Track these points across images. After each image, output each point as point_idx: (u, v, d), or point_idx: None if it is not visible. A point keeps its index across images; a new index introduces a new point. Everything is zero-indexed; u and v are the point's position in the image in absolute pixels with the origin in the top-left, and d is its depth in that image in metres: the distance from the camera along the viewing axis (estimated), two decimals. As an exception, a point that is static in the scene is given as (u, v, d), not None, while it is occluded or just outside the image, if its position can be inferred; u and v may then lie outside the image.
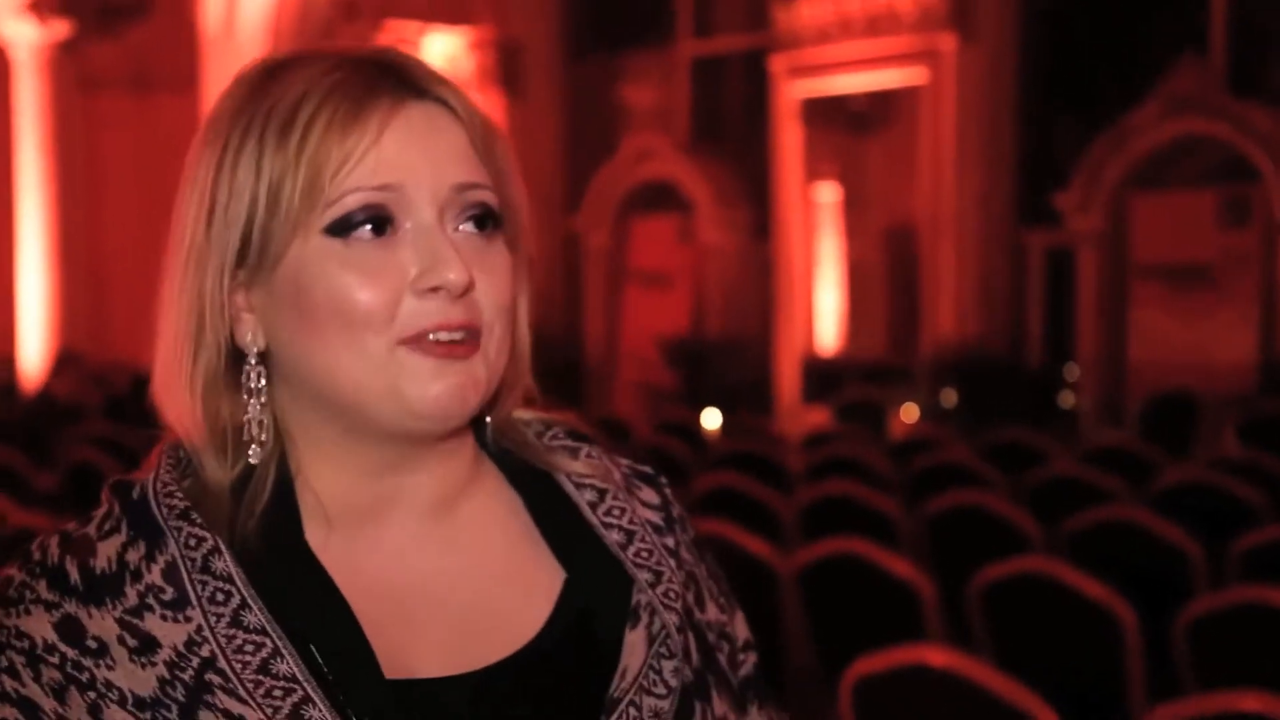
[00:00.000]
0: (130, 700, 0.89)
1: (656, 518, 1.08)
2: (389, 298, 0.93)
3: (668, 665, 1.00)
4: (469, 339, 0.95)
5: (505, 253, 0.98)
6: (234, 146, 0.94)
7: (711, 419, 9.55)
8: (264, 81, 0.96)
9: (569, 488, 1.06)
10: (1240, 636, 3.21)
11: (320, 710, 0.90)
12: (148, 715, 0.89)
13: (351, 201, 0.93)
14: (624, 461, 1.11)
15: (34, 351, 12.72)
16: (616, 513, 1.06)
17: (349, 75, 0.95)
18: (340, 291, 0.93)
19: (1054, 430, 8.44)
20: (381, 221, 0.94)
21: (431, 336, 0.94)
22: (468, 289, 0.94)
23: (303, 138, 0.93)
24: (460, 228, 0.96)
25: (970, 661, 2.40)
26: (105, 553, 0.93)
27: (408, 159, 0.94)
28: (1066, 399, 10.28)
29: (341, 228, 0.93)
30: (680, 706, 1.00)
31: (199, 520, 0.94)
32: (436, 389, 0.93)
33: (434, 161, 0.95)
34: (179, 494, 0.95)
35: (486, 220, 0.97)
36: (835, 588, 3.73)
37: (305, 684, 0.90)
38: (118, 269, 13.28)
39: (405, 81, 0.96)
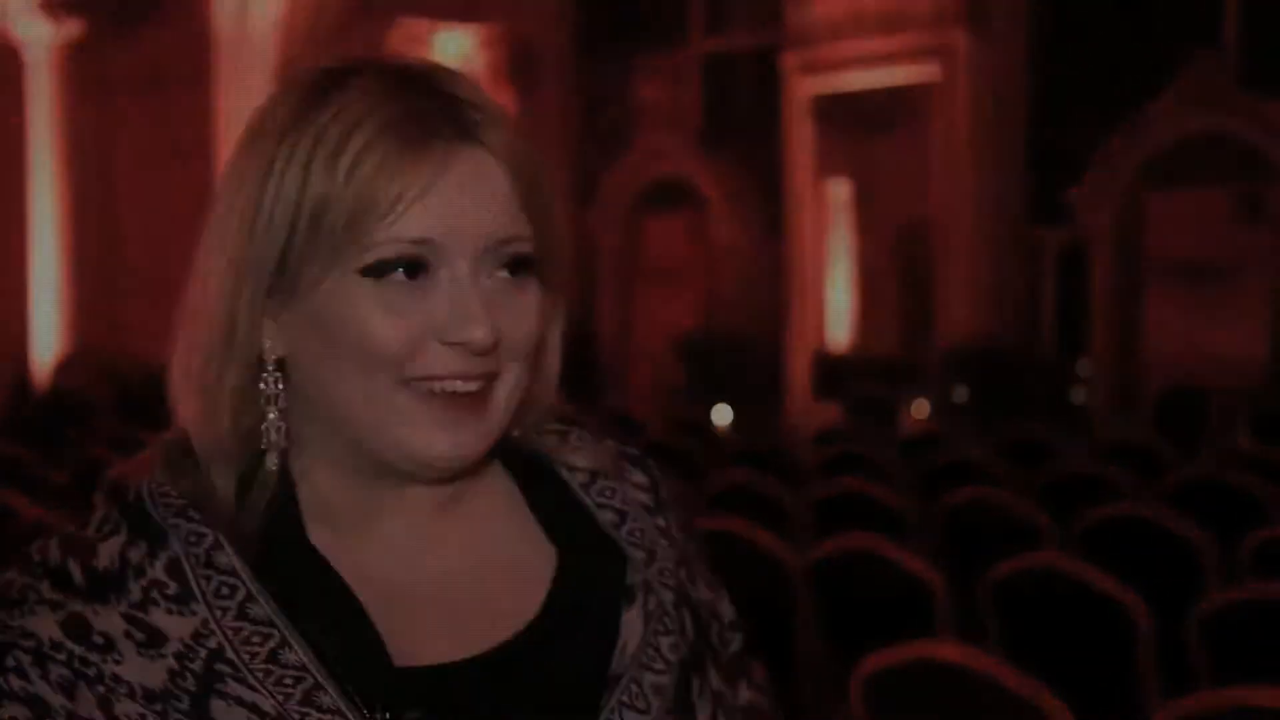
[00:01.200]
0: (140, 693, 0.90)
1: (647, 499, 1.09)
2: (411, 338, 0.93)
3: (665, 641, 1.02)
4: (484, 388, 0.96)
5: (536, 293, 0.98)
6: (282, 161, 0.93)
7: (723, 415, 9.55)
8: (317, 97, 0.95)
9: (561, 470, 1.08)
10: (1253, 631, 3.20)
11: (331, 697, 0.91)
12: (159, 707, 0.90)
13: (389, 251, 0.93)
14: (611, 444, 1.12)
15: (48, 349, 12.76)
16: (608, 493, 1.07)
17: (406, 110, 0.93)
18: (364, 327, 0.93)
19: (1066, 426, 8.43)
20: (416, 267, 0.94)
21: (448, 387, 0.94)
22: (491, 348, 0.95)
23: (351, 169, 0.92)
24: (494, 274, 0.96)
25: (982, 656, 2.39)
26: (107, 552, 0.94)
27: (451, 213, 0.94)
28: (1079, 395, 10.27)
29: (377, 271, 0.93)
30: (678, 680, 1.02)
31: (197, 517, 0.95)
32: (442, 447, 0.95)
33: (476, 212, 0.94)
34: (173, 493, 0.96)
35: (520, 267, 0.97)
36: (847, 583, 3.73)
37: (315, 672, 0.91)
38: (131, 267, 13.32)
39: (460, 123, 0.95)
